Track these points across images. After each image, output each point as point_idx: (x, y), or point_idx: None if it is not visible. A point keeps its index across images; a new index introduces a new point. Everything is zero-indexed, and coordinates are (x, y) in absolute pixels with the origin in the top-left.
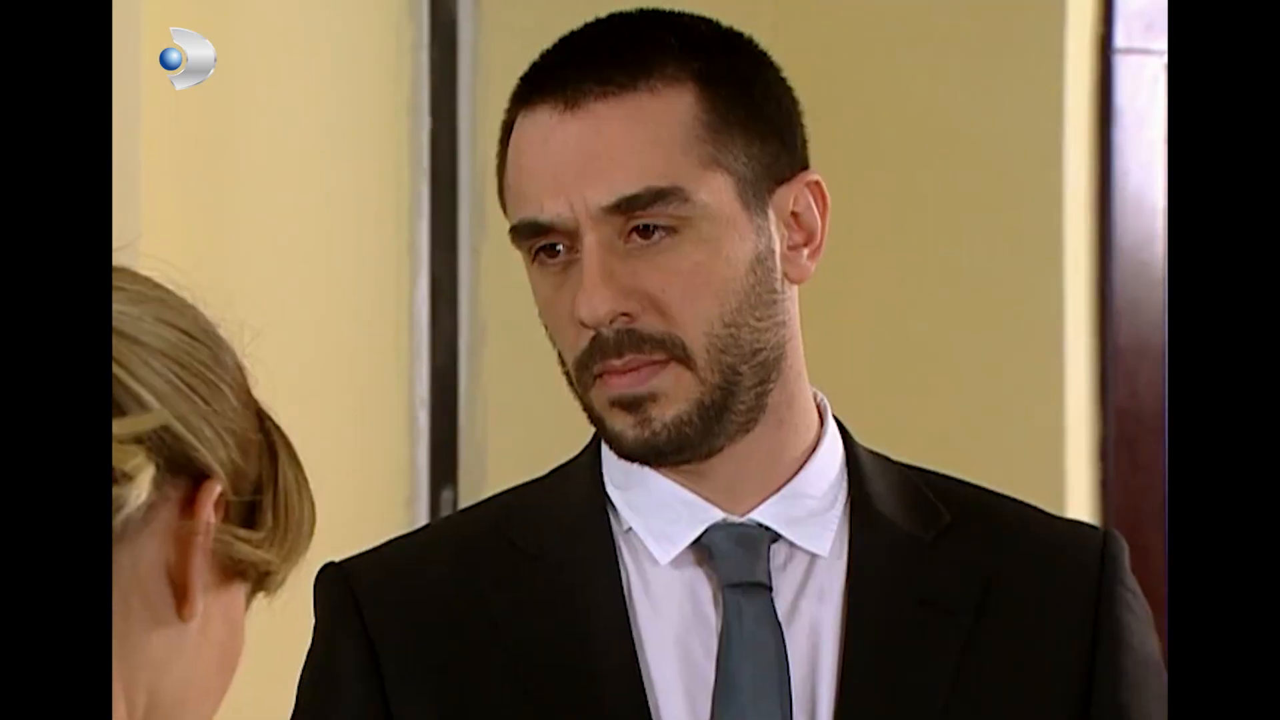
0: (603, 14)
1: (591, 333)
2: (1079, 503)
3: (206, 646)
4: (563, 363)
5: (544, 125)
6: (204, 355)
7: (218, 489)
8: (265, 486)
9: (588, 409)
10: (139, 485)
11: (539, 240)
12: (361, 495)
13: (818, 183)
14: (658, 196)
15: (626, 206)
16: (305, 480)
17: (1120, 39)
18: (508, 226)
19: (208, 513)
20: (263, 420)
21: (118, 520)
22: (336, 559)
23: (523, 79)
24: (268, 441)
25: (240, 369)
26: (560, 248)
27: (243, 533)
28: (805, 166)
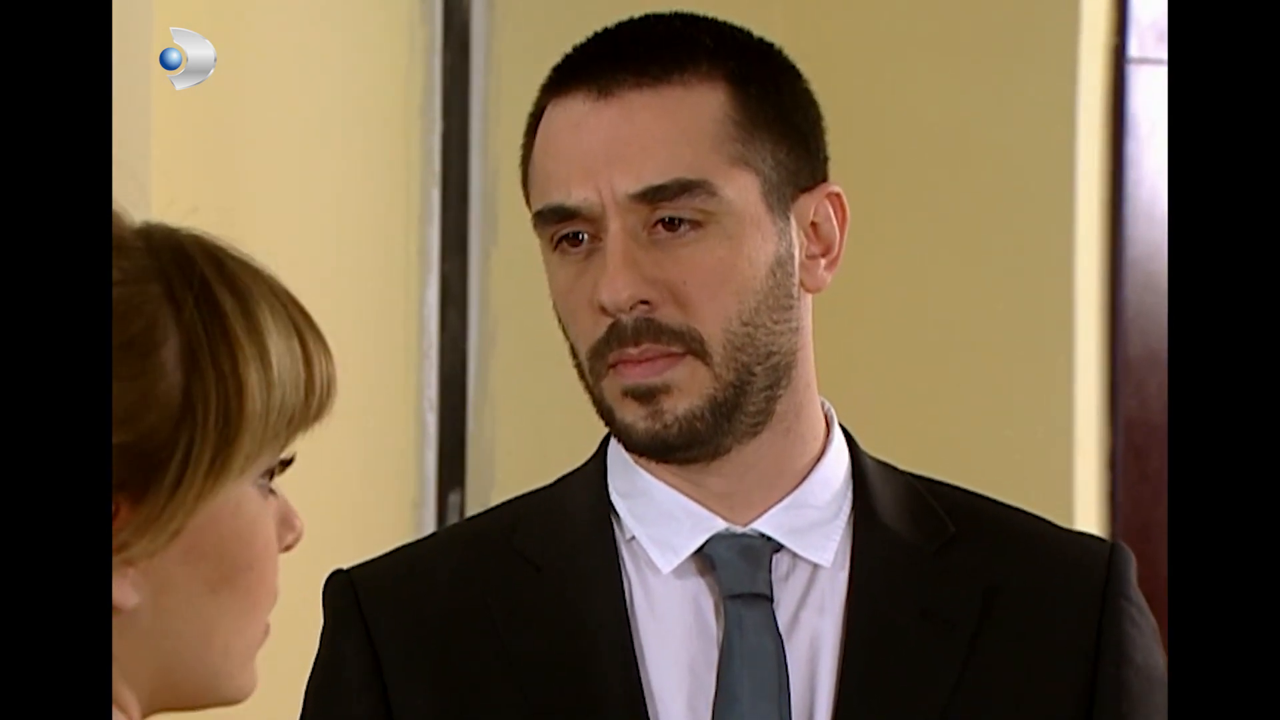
0: (619, 19)
1: (609, 320)
2: (1087, 513)
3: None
4: (574, 354)
5: (576, 112)
6: None
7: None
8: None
9: (598, 401)
10: None
11: (563, 227)
12: (370, 497)
13: (838, 195)
14: (685, 188)
15: (653, 196)
16: (234, 346)
17: (1134, 49)
18: (530, 214)
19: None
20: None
21: None
22: (345, 564)
23: (555, 69)
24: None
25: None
26: (583, 236)
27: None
28: (826, 179)
